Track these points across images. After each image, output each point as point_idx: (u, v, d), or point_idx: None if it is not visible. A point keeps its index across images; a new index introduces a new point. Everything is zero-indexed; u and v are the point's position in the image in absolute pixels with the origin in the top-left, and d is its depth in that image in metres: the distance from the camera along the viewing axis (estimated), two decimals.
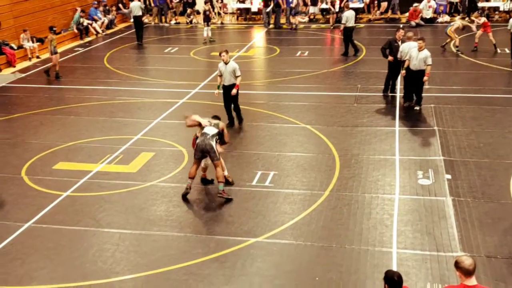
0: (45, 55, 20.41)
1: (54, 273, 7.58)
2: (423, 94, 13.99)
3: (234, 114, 12.83)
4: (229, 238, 8.26)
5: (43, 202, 9.50)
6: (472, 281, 4.84)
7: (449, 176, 9.94)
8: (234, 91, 12.26)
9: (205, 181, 9.92)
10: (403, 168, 10.36)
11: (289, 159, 10.91)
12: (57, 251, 8.09)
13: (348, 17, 18.43)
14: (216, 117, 9.69)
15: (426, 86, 13.55)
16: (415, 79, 13.11)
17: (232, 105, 12.69)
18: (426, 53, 12.86)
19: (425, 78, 12.99)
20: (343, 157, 10.92)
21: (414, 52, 12.95)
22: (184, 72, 17.86)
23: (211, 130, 9.25)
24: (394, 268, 7.35)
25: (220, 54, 12.27)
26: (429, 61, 12.88)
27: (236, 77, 12.24)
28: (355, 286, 7.09)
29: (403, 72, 13.50)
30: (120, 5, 26.78)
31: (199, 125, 9.41)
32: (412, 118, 12.95)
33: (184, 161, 11.01)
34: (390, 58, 14.12)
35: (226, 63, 12.17)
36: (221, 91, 12.58)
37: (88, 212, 9.19)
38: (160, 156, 11.27)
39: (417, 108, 13.27)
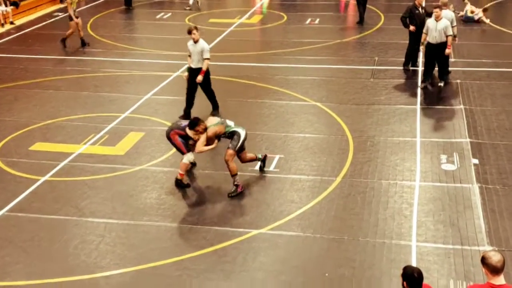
0: (20, 21, 20.30)
1: (31, 267, 7.59)
2: (449, 68, 13.94)
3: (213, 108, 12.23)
4: (229, 230, 8.27)
5: (19, 188, 9.49)
6: (500, 280, 4.80)
7: (476, 161, 9.93)
8: (199, 77, 11.57)
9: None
10: (424, 152, 10.34)
11: (297, 141, 10.89)
12: (34, 243, 8.09)
13: None
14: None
15: (451, 60, 13.48)
16: (437, 55, 12.93)
17: (205, 93, 12.05)
18: (445, 22, 12.71)
19: (447, 50, 12.90)
20: (357, 139, 10.89)
21: (431, 23, 12.80)
22: (178, 41, 17.72)
23: (230, 122, 9.40)
24: (414, 264, 7.36)
25: (190, 32, 11.61)
26: (450, 31, 12.73)
27: (204, 59, 11.58)
28: (369, 283, 7.12)
29: (422, 48, 13.40)
30: None
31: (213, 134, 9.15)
32: (436, 95, 12.89)
33: None
34: (411, 28, 14.01)
35: (195, 42, 11.62)
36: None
37: (70, 199, 9.18)
38: (150, 137, 11.25)
39: (441, 84, 13.18)
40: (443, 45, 12.81)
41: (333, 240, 7.98)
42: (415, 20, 13.89)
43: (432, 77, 13.35)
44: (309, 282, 7.20)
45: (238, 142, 9.12)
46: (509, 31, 17.30)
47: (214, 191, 9.32)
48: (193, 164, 9.84)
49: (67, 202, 9.10)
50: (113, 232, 8.33)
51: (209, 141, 9.06)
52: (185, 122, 9.31)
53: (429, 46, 12.96)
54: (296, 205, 8.82)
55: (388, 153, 10.34)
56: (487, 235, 7.96)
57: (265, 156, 9.85)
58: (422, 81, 13.39)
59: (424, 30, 13.08)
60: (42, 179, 9.80)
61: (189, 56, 11.81)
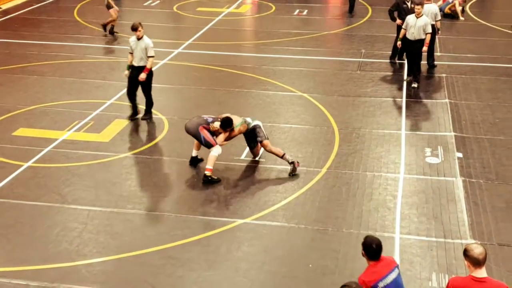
0: (7, 5, 19.96)
1: (12, 254, 7.47)
2: (435, 62, 13.94)
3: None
4: (213, 219, 8.20)
5: (1, 173, 9.34)
6: (482, 272, 4.81)
7: (460, 155, 9.93)
8: (142, 75, 10.97)
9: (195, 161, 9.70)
10: (409, 145, 10.33)
11: (283, 132, 10.82)
12: (15, 230, 7.97)
13: None
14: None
15: (437, 54, 13.43)
16: (413, 51, 12.75)
17: (143, 94, 11.30)
18: (425, 19, 12.55)
19: (425, 48, 12.76)
20: (343, 130, 10.85)
21: (411, 20, 12.62)
22: (166, 29, 17.58)
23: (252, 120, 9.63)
24: (397, 256, 7.36)
25: (136, 29, 10.94)
26: (429, 29, 12.59)
27: (148, 57, 11.01)
28: (352, 274, 7.06)
29: (398, 43, 13.25)
30: None
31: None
32: (421, 89, 12.87)
33: (164, 130, 10.87)
34: (398, 21, 13.94)
35: (139, 39, 11.00)
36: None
37: (52, 185, 9.06)
38: (136, 124, 11.15)
39: (415, 85, 12.77)
40: (420, 42, 12.63)
41: (317, 231, 7.93)
42: (402, 13, 13.81)
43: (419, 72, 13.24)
44: (293, 272, 7.15)
45: (263, 131, 9.46)
46: (494, 26, 17.33)
47: (198, 180, 9.23)
48: (200, 160, 9.64)
49: (50, 188, 8.97)
50: (96, 219, 8.22)
51: (229, 137, 9.43)
52: (210, 118, 9.40)
53: (405, 41, 12.76)
54: (281, 196, 8.76)
55: (373, 145, 10.30)
56: (470, 229, 7.96)
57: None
58: (407, 76, 13.30)
59: (403, 26, 12.85)
60: (25, 165, 9.65)
61: (131, 53, 11.15)
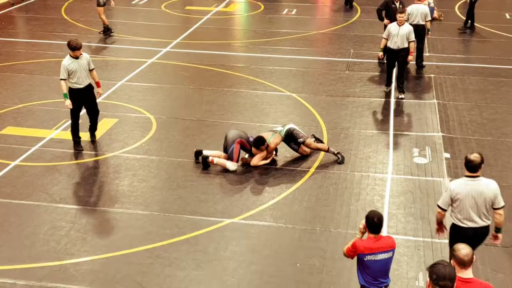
0: None
1: None
2: (424, 63, 14.04)
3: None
4: (201, 218, 8.24)
5: None
6: (467, 273, 4.83)
7: (447, 155, 10.03)
8: (98, 91, 10.23)
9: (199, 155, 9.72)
10: (397, 145, 10.42)
11: None
12: (3, 229, 7.97)
13: None
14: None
15: (426, 54, 13.46)
16: (397, 60, 12.29)
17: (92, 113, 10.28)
18: (408, 27, 12.11)
19: (410, 57, 12.34)
20: (331, 130, 10.92)
21: (393, 28, 12.08)
22: (154, 27, 17.55)
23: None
24: None
25: (75, 47, 9.60)
26: (412, 37, 12.16)
27: (91, 70, 9.98)
28: (340, 273, 7.15)
29: (380, 54, 12.81)
30: None
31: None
32: (410, 89, 12.96)
33: (152, 129, 10.89)
34: (386, 21, 14.02)
35: (77, 58, 9.70)
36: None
37: (40, 184, 9.05)
38: (124, 123, 11.14)
39: (401, 96, 12.35)
40: (404, 51, 12.15)
41: (305, 230, 8.00)
42: (390, 14, 13.89)
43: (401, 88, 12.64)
44: (280, 271, 7.21)
45: (300, 132, 9.66)
46: (482, 27, 17.49)
47: (186, 179, 9.26)
48: (207, 163, 9.57)
49: (38, 187, 8.96)
50: (84, 218, 8.23)
51: (269, 153, 9.56)
52: (251, 138, 9.60)
53: (390, 51, 12.26)
54: (269, 195, 8.81)
55: (361, 145, 10.38)
56: None
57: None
58: (387, 85, 12.76)
59: (384, 35, 12.38)
60: (13, 163, 9.63)
61: (63, 79, 9.72)
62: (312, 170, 9.51)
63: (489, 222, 6.46)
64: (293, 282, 7.02)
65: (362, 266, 5.59)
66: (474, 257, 4.88)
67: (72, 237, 7.79)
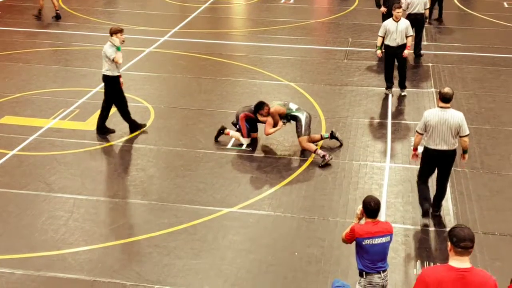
0: None
1: None
2: (422, 52, 13.96)
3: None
4: (200, 208, 8.21)
5: None
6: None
7: None
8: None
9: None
10: (395, 134, 10.38)
11: None
12: (1, 218, 7.94)
13: None
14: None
15: (424, 43, 13.42)
16: (397, 57, 11.70)
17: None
18: (406, 22, 11.65)
19: (406, 52, 11.61)
20: (329, 119, 10.88)
21: (391, 25, 11.50)
22: (152, 16, 17.46)
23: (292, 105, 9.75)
24: None
25: (122, 31, 10.06)
26: (410, 32, 11.68)
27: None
28: (338, 262, 7.13)
29: (378, 52, 12.06)
30: None
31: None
32: (408, 78, 12.88)
33: (150, 118, 10.84)
34: (382, 9, 13.95)
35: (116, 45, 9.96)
36: None
37: (38, 174, 9.01)
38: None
39: (404, 93, 11.97)
40: (404, 47, 11.59)
41: (303, 219, 7.98)
42: (388, 2, 13.81)
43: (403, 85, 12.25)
44: (279, 260, 7.19)
45: (302, 127, 9.43)
46: (480, 16, 17.41)
47: (185, 169, 9.23)
48: (224, 128, 9.98)
49: (36, 177, 8.92)
50: (82, 208, 8.20)
51: (275, 121, 9.54)
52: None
53: (389, 49, 11.66)
54: (267, 185, 8.78)
55: (360, 134, 10.34)
56: (455, 217, 8.04)
57: (332, 133, 9.90)
58: (387, 88, 12.10)
59: (380, 33, 11.75)
60: (10, 153, 9.59)
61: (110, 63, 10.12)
62: (310, 159, 9.47)
63: (454, 147, 7.54)
64: (292, 271, 7.00)
65: (361, 251, 5.58)
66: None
67: (70, 227, 7.76)
